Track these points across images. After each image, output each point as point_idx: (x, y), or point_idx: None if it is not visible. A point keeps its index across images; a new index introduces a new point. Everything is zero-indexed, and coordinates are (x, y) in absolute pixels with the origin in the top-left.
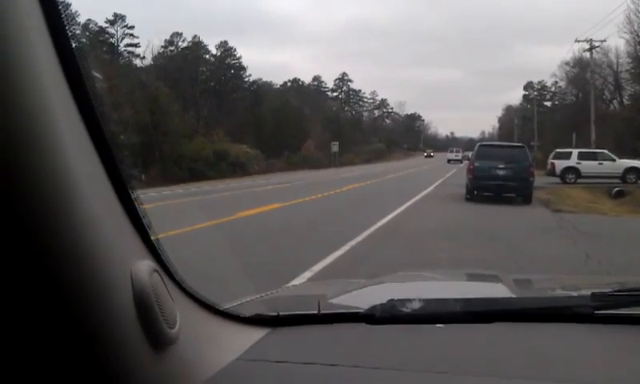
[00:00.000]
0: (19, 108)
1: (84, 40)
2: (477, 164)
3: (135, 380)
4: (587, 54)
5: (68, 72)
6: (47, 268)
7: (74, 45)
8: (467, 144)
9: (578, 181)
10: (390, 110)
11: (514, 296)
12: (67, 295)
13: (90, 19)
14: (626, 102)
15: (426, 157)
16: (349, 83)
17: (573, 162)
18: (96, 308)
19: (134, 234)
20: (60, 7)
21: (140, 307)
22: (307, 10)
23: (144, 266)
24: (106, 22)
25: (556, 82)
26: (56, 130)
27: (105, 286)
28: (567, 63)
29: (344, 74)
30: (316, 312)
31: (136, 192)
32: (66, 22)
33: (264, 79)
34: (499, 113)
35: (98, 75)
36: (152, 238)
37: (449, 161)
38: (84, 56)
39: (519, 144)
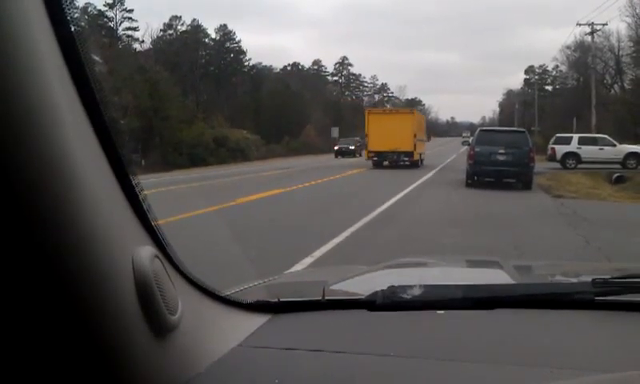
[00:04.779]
0: (19, 92)
1: (83, 24)
2: (477, 149)
3: (136, 366)
4: (588, 38)
5: (68, 56)
6: (48, 254)
7: (73, 28)
8: (467, 128)
9: (579, 166)
10: (390, 95)
11: (514, 282)
12: (68, 281)
13: (88, 3)
14: (627, 86)
15: (336, 153)
16: (349, 67)
17: (573, 147)
18: (97, 294)
19: (135, 219)
20: None
21: (141, 293)
22: None
23: (145, 252)
24: (104, 6)
25: (557, 66)
26: (56, 115)
27: (106, 272)
28: (568, 47)
29: (344, 58)
30: (317, 298)
31: (136, 178)
32: (65, 5)
33: (264, 63)
34: (500, 97)
35: (97, 59)
36: (153, 223)
37: (463, 142)
38: (83, 39)
39: (520, 129)
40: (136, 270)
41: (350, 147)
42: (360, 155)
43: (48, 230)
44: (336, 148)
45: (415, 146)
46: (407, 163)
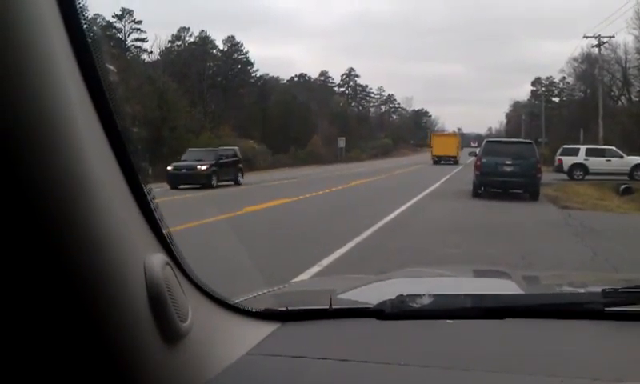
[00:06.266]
0: (35, 100)
1: (93, 34)
2: (484, 160)
3: (147, 373)
4: (595, 50)
5: (83, 65)
6: (61, 260)
7: (88, 38)
8: (475, 139)
9: (586, 177)
10: (397, 106)
11: (523, 292)
12: (80, 287)
13: (97, 14)
14: (634, 98)
15: (171, 180)
16: (356, 78)
17: (580, 158)
18: (109, 301)
19: (147, 227)
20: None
21: (153, 300)
22: (314, 3)
23: (157, 260)
24: (113, 17)
25: (564, 78)
26: (71, 123)
27: (118, 279)
28: (575, 59)
29: (351, 69)
30: (325, 307)
31: (148, 186)
32: (80, 16)
33: (271, 74)
34: (506, 109)
35: (111, 68)
36: (164, 231)
37: (470, 153)
38: (98, 48)
39: (527, 140)
40: (148, 276)
41: (200, 167)
42: (238, 183)
43: (60, 236)
44: (169, 168)
45: (457, 152)
46: (452, 163)
